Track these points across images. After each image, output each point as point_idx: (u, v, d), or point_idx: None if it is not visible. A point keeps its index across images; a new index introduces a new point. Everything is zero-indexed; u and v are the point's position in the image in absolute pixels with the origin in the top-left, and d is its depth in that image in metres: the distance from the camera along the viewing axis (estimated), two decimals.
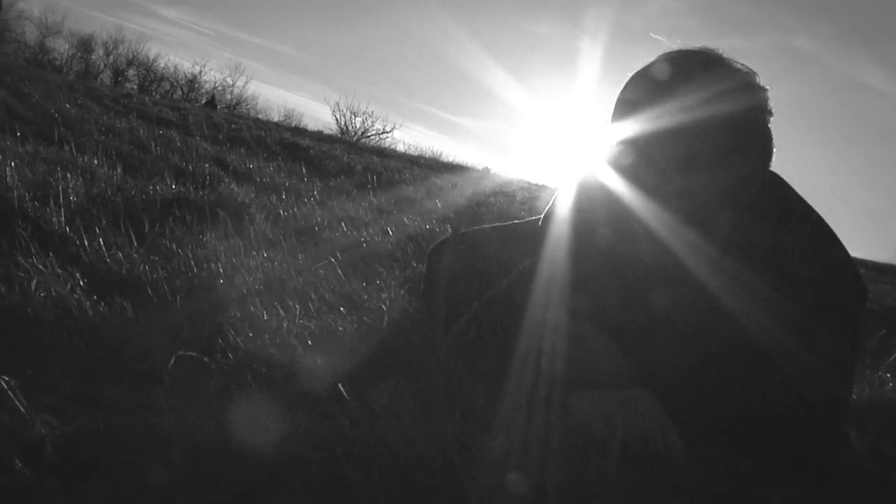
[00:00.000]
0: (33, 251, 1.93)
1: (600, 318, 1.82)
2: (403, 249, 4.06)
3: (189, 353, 1.51)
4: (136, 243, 2.35)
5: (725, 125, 1.63)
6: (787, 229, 1.69)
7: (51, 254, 1.95)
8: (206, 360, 1.53)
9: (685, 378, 1.68)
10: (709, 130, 1.62)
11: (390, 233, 4.72)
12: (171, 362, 1.48)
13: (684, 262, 1.73)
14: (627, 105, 1.71)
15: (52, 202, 2.50)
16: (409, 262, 3.71)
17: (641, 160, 1.68)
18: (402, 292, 2.79)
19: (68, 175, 3.12)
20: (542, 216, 2.19)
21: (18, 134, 4.44)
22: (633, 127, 1.68)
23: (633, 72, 1.75)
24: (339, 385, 1.42)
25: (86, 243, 2.18)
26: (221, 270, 2.24)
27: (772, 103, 1.70)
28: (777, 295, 1.64)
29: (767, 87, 1.69)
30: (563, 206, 2.03)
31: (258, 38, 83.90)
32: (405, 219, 6.02)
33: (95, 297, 1.77)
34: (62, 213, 2.41)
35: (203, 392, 1.42)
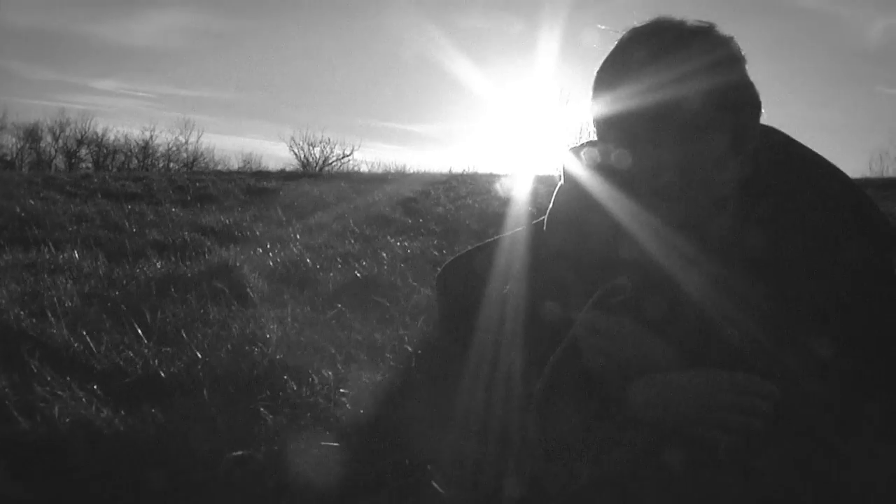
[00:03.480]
0: (48, 376, 1.85)
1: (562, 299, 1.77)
2: (401, 276, 4.00)
3: (236, 454, 1.45)
4: (144, 338, 2.28)
5: (705, 98, 1.56)
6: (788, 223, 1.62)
7: (68, 376, 1.87)
8: (256, 455, 1.46)
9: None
10: (688, 105, 1.56)
11: (384, 260, 4.67)
12: (223, 467, 1.41)
13: (672, 268, 1.67)
14: (605, 85, 1.65)
15: (48, 313, 2.43)
16: (410, 287, 3.65)
17: (623, 148, 1.63)
18: (419, 324, 2.74)
19: (57, 280, 3.04)
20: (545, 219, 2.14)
21: None
22: (610, 108, 1.63)
23: (607, 53, 1.70)
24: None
25: (94, 349, 2.10)
26: (233, 347, 2.17)
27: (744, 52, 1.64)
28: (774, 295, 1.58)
29: (744, 57, 1.63)
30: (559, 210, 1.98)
31: (198, 91, 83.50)
32: (391, 240, 5.96)
33: (122, 409, 1.69)
34: (63, 325, 2.34)
35: (260, 492, 1.35)
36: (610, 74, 1.64)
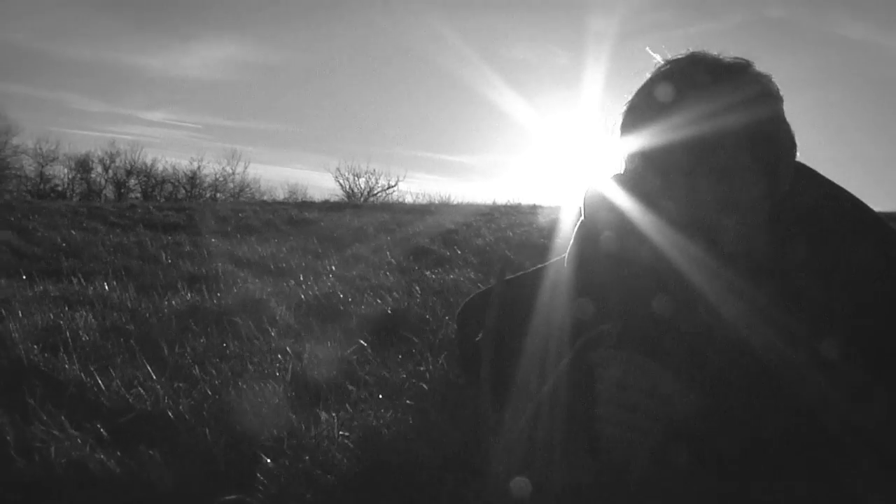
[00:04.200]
0: (46, 414, 1.81)
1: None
2: (432, 310, 3.94)
3: (229, 498, 1.39)
4: (154, 374, 2.24)
5: (738, 138, 1.50)
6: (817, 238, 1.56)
7: (63, 416, 1.83)
8: (248, 500, 1.40)
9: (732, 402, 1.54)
10: (720, 143, 1.49)
11: (416, 293, 4.61)
12: None
13: (687, 273, 1.61)
14: (637, 117, 1.59)
15: (62, 349, 2.40)
16: (440, 321, 3.59)
17: (654, 175, 1.57)
18: (441, 361, 2.67)
19: (77, 314, 3.03)
20: (566, 255, 2.08)
21: (24, 276, 4.36)
22: (642, 140, 1.57)
23: (640, 84, 1.64)
24: None
25: (102, 386, 2.07)
26: (244, 384, 2.12)
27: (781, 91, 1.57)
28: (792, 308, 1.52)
29: (782, 96, 1.57)
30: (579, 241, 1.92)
31: (245, 122, 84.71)
32: (427, 272, 5.91)
33: (119, 451, 1.65)
34: (75, 360, 2.30)
35: None
36: (643, 107, 1.59)
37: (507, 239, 8.88)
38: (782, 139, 1.57)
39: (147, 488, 1.49)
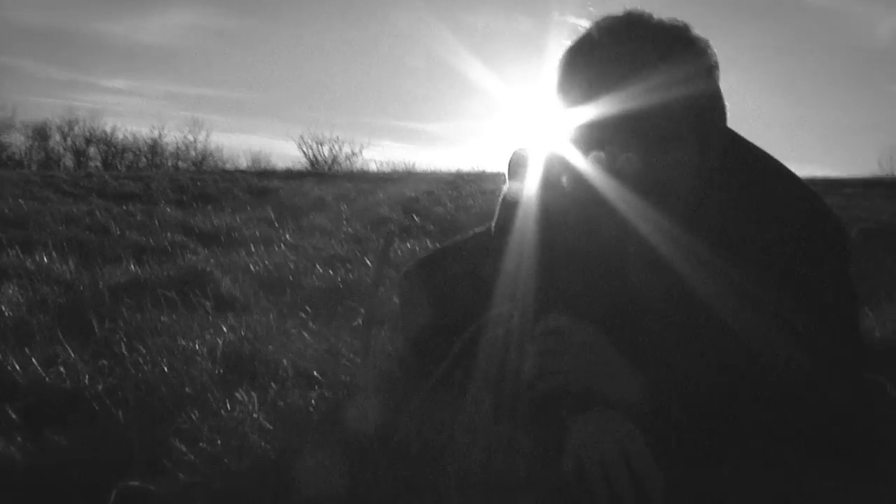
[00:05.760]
0: None
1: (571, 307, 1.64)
2: (383, 279, 3.85)
3: (131, 484, 1.30)
4: (78, 352, 2.13)
5: (678, 110, 1.47)
6: (752, 198, 1.57)
7: None
8: (151, 488, 1.31)
9: (696, 382, 1.49)
10: (666, 114, 1.46)
11: (369, 264, 4.52)
12: (111, 500, 1.26)
13: (648, 239, 1.58)
14: (584, 87, 1.52)
15: None
16: (390, 292, 3.50)
17: (601, 142, 1.50)
18: (384, 332, 2.59)
19: (4, 287, 2.91)
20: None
21: None
22: (591, 110, 1.50)
23: (577, 43, 1.56)
24: None
25: (17, 367, 1.96)
26: (170, 362, 2.02)
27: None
28: (745, 270, 1.52)
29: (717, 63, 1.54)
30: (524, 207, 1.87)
31: (207, 89, 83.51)
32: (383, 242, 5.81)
33: (26, 436, 1.55)
34: None
35: None
36: (579, 75, 1.53)
37: (467, 208, 8.80)
38: (717, 110, 1.56)
39: (48, 476, 1.40)
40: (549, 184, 1.80)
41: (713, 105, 1.55)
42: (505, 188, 1.90)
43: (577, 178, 1.58)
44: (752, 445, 1.45)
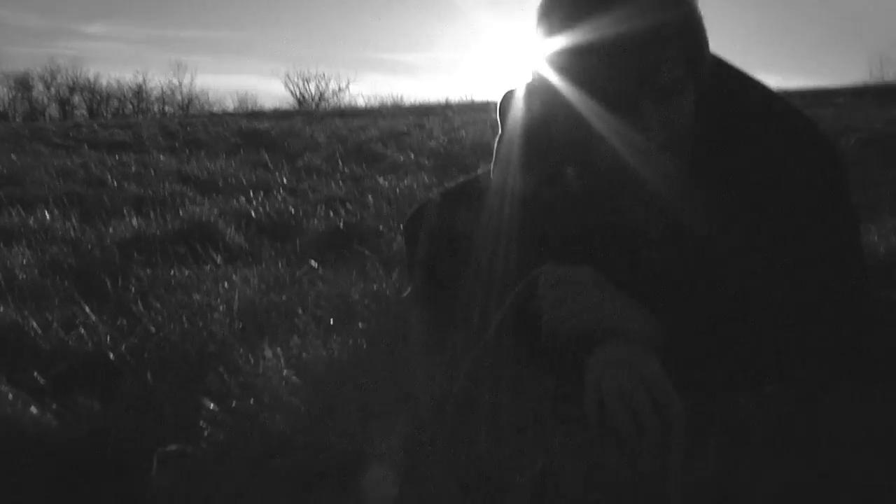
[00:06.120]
0: None
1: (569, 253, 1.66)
2: (386, 220, 3.86)
3: (170, 449, 1.33)
4: (95, 313, 2.15)
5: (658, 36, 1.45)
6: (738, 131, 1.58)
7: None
8: (189, 450, 1.34)
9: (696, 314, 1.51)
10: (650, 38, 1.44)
11: (369, 203, 4.52)
12: (154, 468, 1.29)
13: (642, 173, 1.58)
14: (558, 21, 1.51)
15: None
16: (395, 232, 3.51)
17: (580, 75, 1.51)
18: (394, 277, 2.60)
19: (13, 250, 2.91)
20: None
21: None
22: (566, 40, 1.49)
23: None
24: None
25: (39, 331, 1.98)
26: (189, 318, 2.04)
27: None
28: (745, 211, 1.54)
29: None
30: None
31: (189, 31, 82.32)
32: (380, 179, 5.80)
33: (57, 402, 1.57)
34: (10, 303, 2.21)
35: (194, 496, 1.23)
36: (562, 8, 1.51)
37: (460, 140, 8.75)
38: (701, 33, 1.54)
39: (87, 442, 1.42)
40: (536, 121, 1.80)
41: (697, 27, 1.53)
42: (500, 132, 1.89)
43: (567, 111, 1.57)
44: (766, 371, 1.48)
